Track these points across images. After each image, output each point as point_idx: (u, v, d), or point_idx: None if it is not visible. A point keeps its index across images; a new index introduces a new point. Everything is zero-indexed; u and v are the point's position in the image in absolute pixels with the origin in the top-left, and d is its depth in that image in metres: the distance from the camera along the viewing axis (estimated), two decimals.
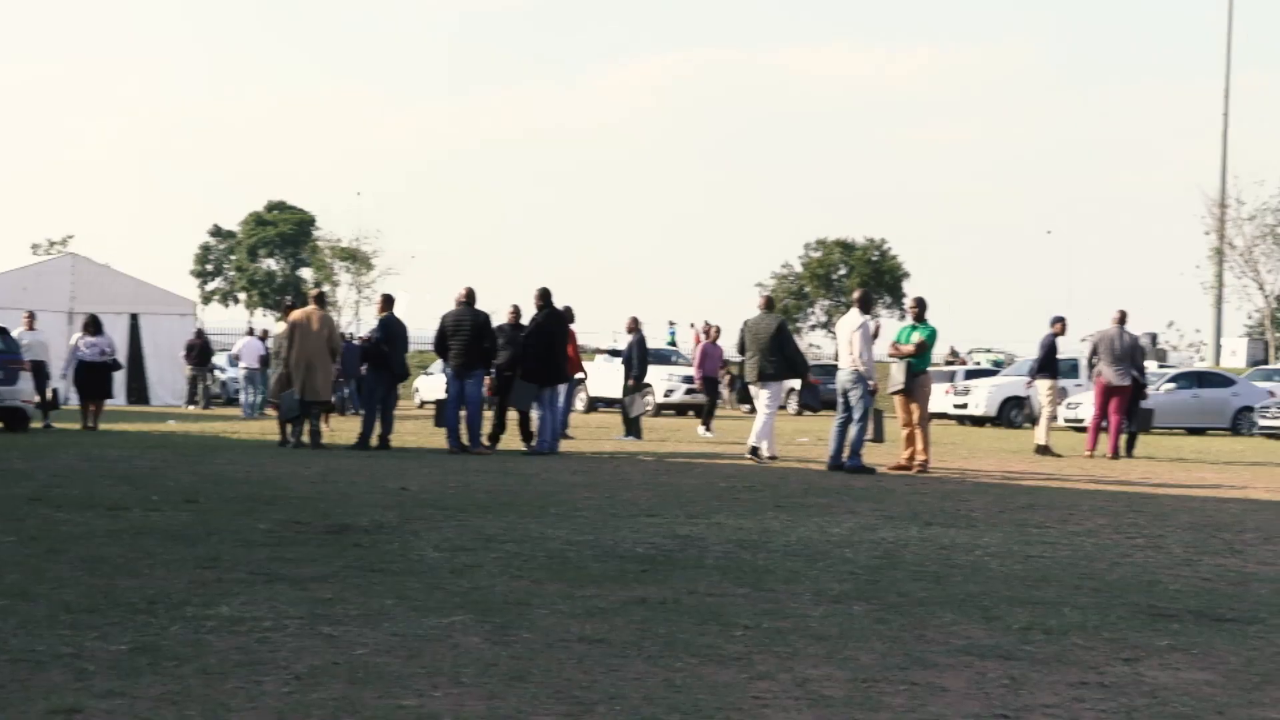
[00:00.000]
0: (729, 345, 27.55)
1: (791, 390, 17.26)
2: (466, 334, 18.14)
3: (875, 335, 16.84)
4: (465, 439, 18.33)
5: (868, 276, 63.53)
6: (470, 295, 18.39)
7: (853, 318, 16.65)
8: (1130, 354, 21.01)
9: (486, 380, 18.59)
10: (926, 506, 12.12)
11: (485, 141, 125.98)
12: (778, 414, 18.39)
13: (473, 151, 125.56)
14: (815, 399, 16.16)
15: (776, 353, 17.52)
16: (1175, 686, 5.25)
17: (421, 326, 30.05)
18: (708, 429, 25.48)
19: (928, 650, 5.80)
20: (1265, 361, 56.20)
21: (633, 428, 23.45)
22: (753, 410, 18.58)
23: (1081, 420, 28.71)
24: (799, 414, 35.76)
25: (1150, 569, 8.40)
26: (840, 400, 16.46)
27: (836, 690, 5.08)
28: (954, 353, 54.72)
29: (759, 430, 17.81)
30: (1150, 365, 35.04)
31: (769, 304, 18.95)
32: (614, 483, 13.91)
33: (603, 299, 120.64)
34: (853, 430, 16.18)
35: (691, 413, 38.47)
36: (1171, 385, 34.36)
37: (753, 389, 18.20)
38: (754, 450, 17.82)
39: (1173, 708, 4.92)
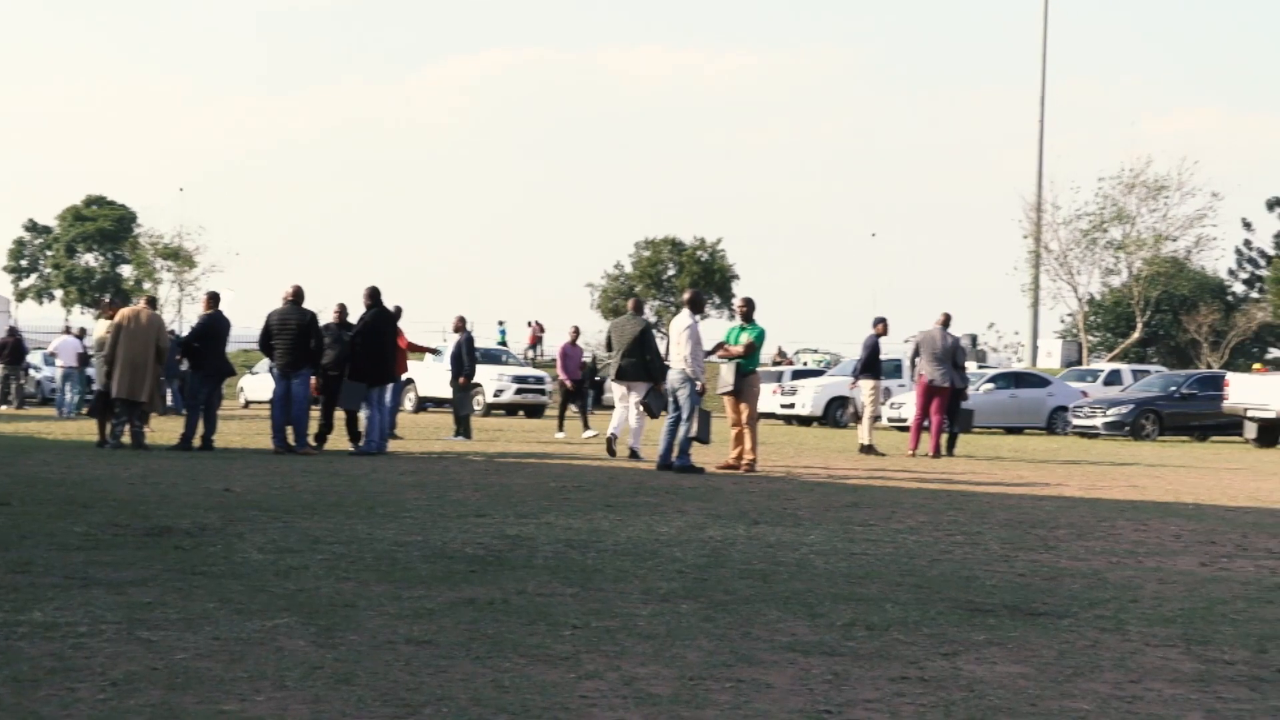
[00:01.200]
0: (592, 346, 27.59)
1: (651, 390, 17.41)
2: (292, 333, 17.88)
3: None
4: (291, 439, 18.05)
5: (698, 276, 64.06)
6: (298, 294, 18.13)
7: (683, 318, 16.77)
8: (951, 355, 21.49)
9: (313, 380, 18.35)
10: (754, 505, 12.26)
11: (311, 138, 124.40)
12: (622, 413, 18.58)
13: (298, 147, 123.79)
14: (660, 403, 16.29)
15: (638, 354, 17.66)
16: (991, 680, 5.38)
17: (248, 325, 29.51)
18: (563, 429, 25.60)
19: (754, 647, 5.87)
20: (1079, 362, 57.94)
21: (462, 427, 23.34)
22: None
23: (904, 420, 29.28)
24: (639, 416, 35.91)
25: (969, 565, 8.60)
26: (670, 400, 16.57)
27: (663, 688, 5.11)
28: (781, 353, 55.44)
29: (634, 430, 18.17)
30: (971, 366, 35.93)
31: (638, 307, 19.22)
32: (443, 483, 13.82)
33: (431, 298, 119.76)
34: (681, 430, 16.30)
35: (522, 413, 38.44)
36: (990, 385, 35.26)
37: (616, 387, 18.42)
38: (633, 452, 18.15)
39: (989, 700, 5.05)
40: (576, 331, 28.38)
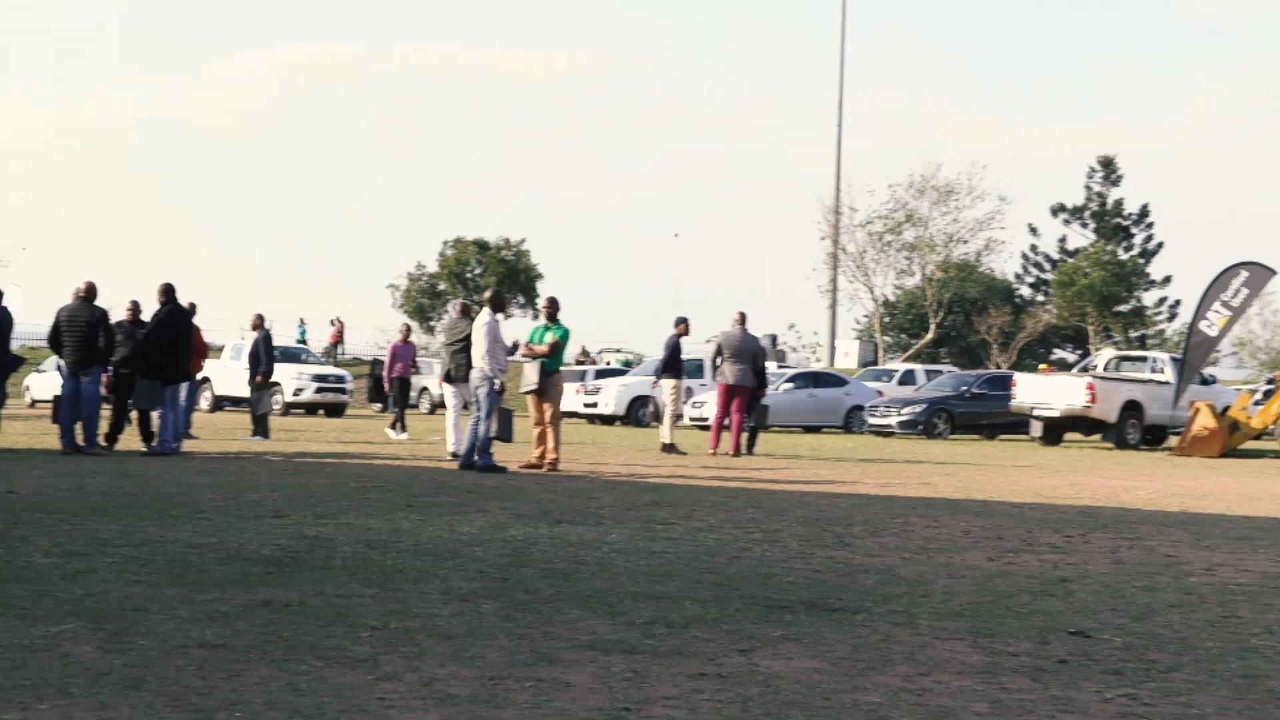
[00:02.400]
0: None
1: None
2: (82, 329, 17.36)
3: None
4: (80, 439, 17.51)
5: (503, 276, 63.86)
6: (90, 290, 17.62)
7: (483, 316, 16.71)
8: (752, 355, 21.80)
9: (104, 378, 17.84)
10: (556, 504, 12.28)
11: (103, 133, 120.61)
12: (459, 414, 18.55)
13: (91, 143, 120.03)
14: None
15: (465, 355, 17.58)
16: (787, 675, 5.47)
17: (38, 322, 28.59)
18: (400, 429, 25.05)
19: (554, 646, 5.88)
20: (875, 362, 59.29)
21: (260, 427, 22.92)
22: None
23: (705, 419, 29.61)
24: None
25: (767, 562, 8.74)
26: (474, 400, 16.50)
27: (463, 689, 5.09)
28: (585, 352, 55.60)
29: (459, 430, 18.17)
30: (770, 366, 36.47)
31: (465, 309, 19.14)
32: (239, 483, 13.55)
33: (229, 295, 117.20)
34: (480, 429, 16.23)
35: (322, 412, 37.86)
36: (790, 385, 35.84)
37: (444, 388, 18.39)
38: (455, 454, 18.00)
39: (784, 695, 5.13)
40: (408, 330, 28.03)
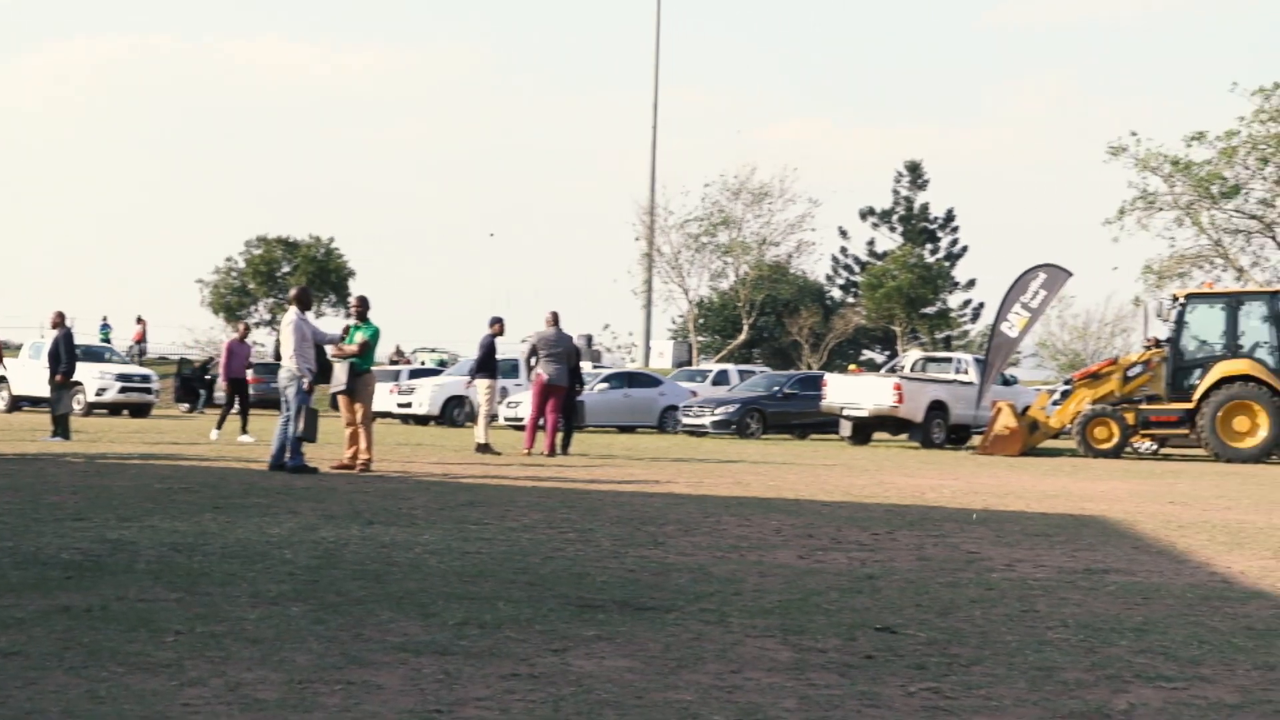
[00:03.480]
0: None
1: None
2: None
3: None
4: None
5: (312, 274, 62.92)
6: None
7: (289, 315, 16.43)
8: (566, 354, 21.82)
9: None
10: (368, 505, 12.14)
11: None
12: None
13: None
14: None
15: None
16: (600, 674, 5.49)
17: None
18: (244, 432, 24.30)
19: (365, 649, 5.81)
20: (689, 363, 59.88)
21: (60, 428, 22.24)
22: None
23: (521, 419, 29.57)
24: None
25: (580, 562, 8.75)
26: (283, 399, 16.23)
27: (270, 693, 5.00)
28: (399, 352, 55.08)
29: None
30: (586, 366, 36.57)
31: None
32: (38, 486, 13.13)
33: (29, 292, 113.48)
34: (290, 429, 15.97)
35: (127, 412, 36.88)
36: (605, 385, 35.98)
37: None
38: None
39: (597, 695, 5.14)
40: (246, 329, 27.36)
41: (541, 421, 21.82)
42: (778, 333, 69.86)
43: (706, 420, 33.55)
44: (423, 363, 51.20)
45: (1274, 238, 53.42)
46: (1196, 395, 27.26)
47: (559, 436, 21.92)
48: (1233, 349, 27.77)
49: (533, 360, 21.98)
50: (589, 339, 58.33)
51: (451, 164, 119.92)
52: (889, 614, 7.08)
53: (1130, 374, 28.61)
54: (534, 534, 10.25)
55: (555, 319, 22.01)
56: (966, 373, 34.05)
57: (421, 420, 36.41)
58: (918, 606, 7.36)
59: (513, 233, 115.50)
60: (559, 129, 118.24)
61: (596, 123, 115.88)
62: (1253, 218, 53.51)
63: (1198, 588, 8.39)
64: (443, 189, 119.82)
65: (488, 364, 22.44)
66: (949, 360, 37.35)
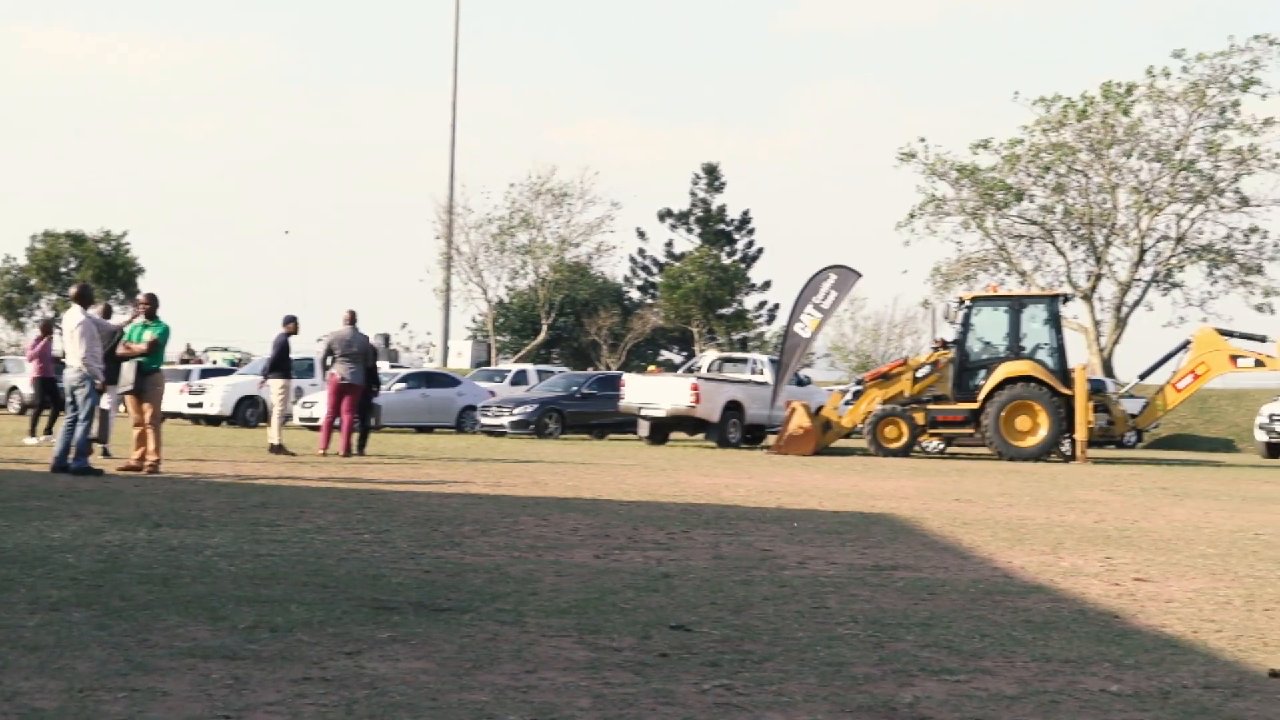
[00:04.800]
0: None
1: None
2: None
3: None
4: None
5: (100, 270, 61.10)
6: None
7: (74, 314, 15.91)
8: (363, 353, 21.58)
9: None
10: (156, 507, 11.83)
11: None
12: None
13: None
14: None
15: (114, 357, 16.72)
16: (394, 676, 5.43)
17: None
18: (33, 435, 23.10)
19: (150, 654, 5.66)
20: (488, 363, 59.68)
21: None
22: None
23: (316, 419, 29.13)
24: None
25: (376, 563, 8.66)
26: (69, 399, 15.74)
27: (50, 702, 4.83)
28: (190, 351, 53.80)
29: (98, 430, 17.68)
30: (383, 366, 36.20)
31: (107, 311, 18.28)
32: None
33: None
34: (78, 430, 15.50)
35: None
36: (402, 385, 35.64)
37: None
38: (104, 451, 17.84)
39: (390, 697, 5.09)
40: (53, 327, 26.27)
41: (337, 422, 21.54)
42: (576, 333, 70.06)
43: (505, 420, 33.47)
44: (214, 362, 50.06)
45: (1054, 243, 55.37)
46: (981, 395, 28.13)
47: (355, 437, 21.67)
48: (1015, 351, 28.72)
49: (328, 360, 21.69)
50: (386, 338, 57.74)
51: (247, 159, 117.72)
52: (684, 612, 7.14)
53: (919, 375, 29.37)
54: (328, 535, 10.11)
55: (352, 318, 21.75)
56: (762, 373, 34.58)
57: (213, 421, 35.63)
58: (712, 604, 7.44)
59: (309, 230, 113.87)
60: (357, 126, 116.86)
61: (396, 120, 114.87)
62: (1034, 223, 55.38)
63: (981, 583, 8.65)
64: (238, 185, 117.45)
65: (282, 363, 22.06)
66: (745, 361, 37.87)
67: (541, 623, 6.71)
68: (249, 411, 35.06)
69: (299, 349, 25.57)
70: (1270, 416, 36.67)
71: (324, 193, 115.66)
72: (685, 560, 9.35)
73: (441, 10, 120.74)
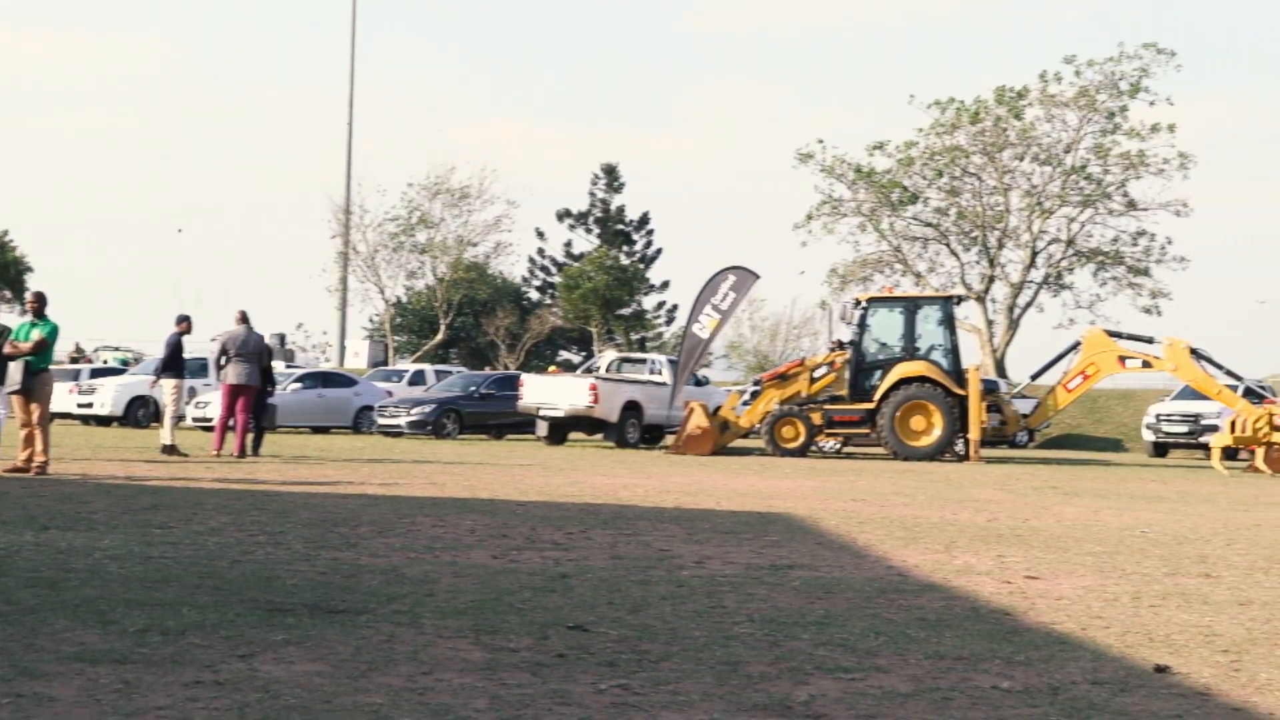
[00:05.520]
0: None
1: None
2: None
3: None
4: None
5: None
6: None
7: None
8: (258, 353, 21.34)
9: None
10: (44, 509, 11.62)
11: None
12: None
13: None
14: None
15: None
16: (288, 679, 5.38)
17: None
18: None
19: (37, 659, 5.55)
20: (385, 363, 59.27)
21: None
22: None
23: (209, 419, 28.75)
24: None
25: (270, 565, 8.56)
26: None
27: None
28: (79, 350, 52.88)
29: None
30: (279, 365, 35.81)
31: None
32: None
33: None
34: None
35: None
36: (298, 385, 35.28)
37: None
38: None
39: (284, 700, 5.04)
40: None
41: (231, 422, 21.28)
42: (475, 333, 69.77)
43: (402, 420, 33.26)
44: (105, 361, 49.24)
45: (948, 245, 56.10)
46: (877, 396, 28.41)
47: (249, 437, 21.41)
48: (910, 351, 29.04)
49: (222, 360, 21.43)
50: (282, 338, 57.09)
51: (138, 156, 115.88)
52: (581, 612, 7.14)
53: (816, 375, 29.59)
54: (222, 537, 9.98)
55: (245, 317, 21.51)
56: (660, 373, 34.65)
57: (104, 421, 35.03)
58: (610, 604, 7.45)
59: (203, 229, 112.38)
60: (252, 124, 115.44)
61: (291, 119, 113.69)
62: (929, 225, 56.08)
63: (876, 581, 8.74)
64: (129, 182, 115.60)
65: (174, 363, 21.73)
66: (644, 361, 37.96)
67: (438, 624, 6.68)
68: (140, 412, 34.51)
69: (192, 348, 25.23)
70: (1157, 416, 37.41)
71: (217, 190, 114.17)
72: (583, 560, 9.35)
73: (338, 8, 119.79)
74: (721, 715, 5.05)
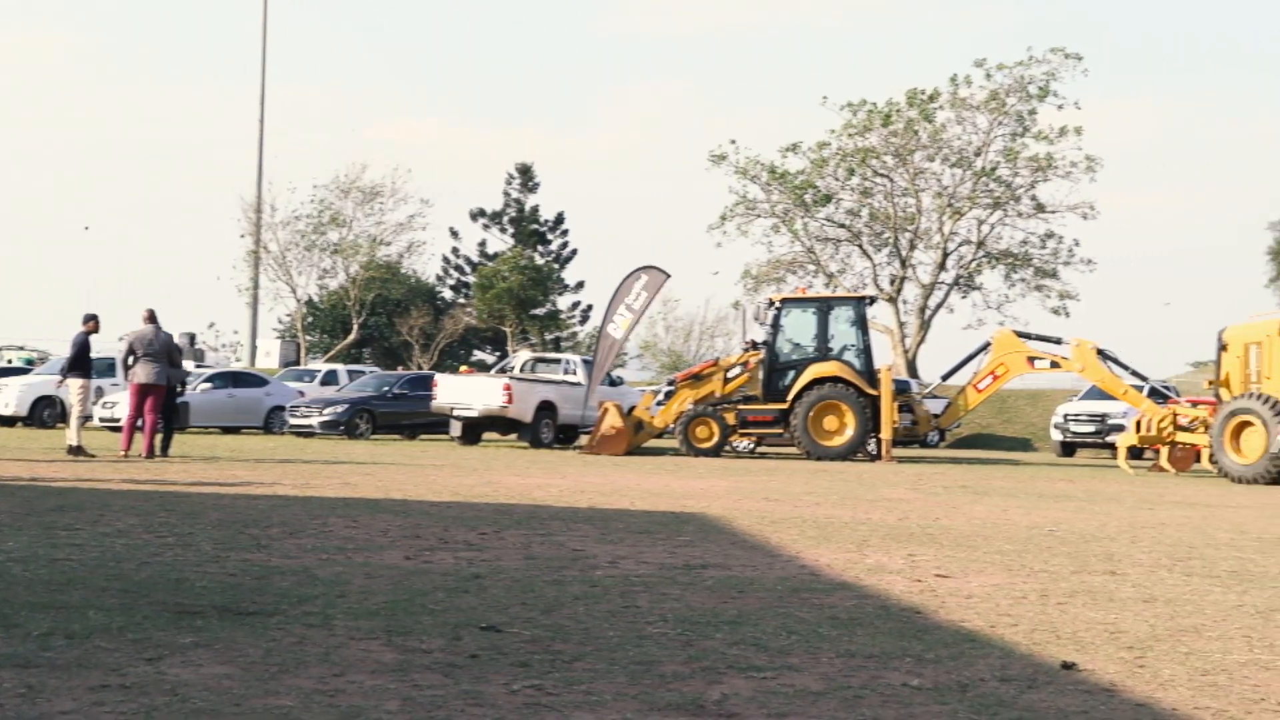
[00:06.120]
0: None
1: None
2: None
3: None
4: None
5: None
6: None
7: None
8: (166, 353, 21.09)
9: None
10: None
11: None
12: None
13: None
14: None
15: None
16: (196, 682, 5.32)
17: None
18: None
19: None
20: (297, 362, 58.80)
21: None
22: None
23: (117, 420, 28.39)
24: None
25: (179, 567, 8.46)
26: None
27: None
28: None
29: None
30: (189, 365, 35.43)
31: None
32: None
33: None
34: None
35: None
36: (208, 385, 34.94)
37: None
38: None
39: (192, 704, 4.98)
40: None
41: (140, 422, 21.01)
42: (388, 333, 69.35)
43: (314, 421, 33.03)
44: (10, 361, 48.47)
45: (860, 246, 56.54)
46: (790, 396, 28.57)
47: (158, 438, 21.16)
48: (823, 352, 29.24)
49: (130, 359, 21.15)
50: (191, 337, 56.52)
51: (42, 153, 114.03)
52: (494, 613, 7.12)
53: (730, 375, 29.72)
54: (129, 539, 9.85)
55: (151, 316, 21.26)
56: (575, 373, 34.65)
57: (8, 421, 34.48)
58: (523, 605, 7.43)
59: (110, 227, 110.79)
60: (160, 121, 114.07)
61: (201, 116, 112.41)
62: (841, 226, 56.48)
63: (788, 580, 8.79)
64: (33, 179, 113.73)
65: (81, 362, 21.44)
66: (558, 361, 37.94)
67: (350, 625, 6.63)
68: (46, 412, 34.02)
69: (100, 348, 24.86)
70: (1065, 416, 37.94)
71: (126, 189, 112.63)
72: (496, 561, 9.33)
73: (250, 5, 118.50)
74: (634, 715, 5.05)
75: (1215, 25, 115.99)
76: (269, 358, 61.90)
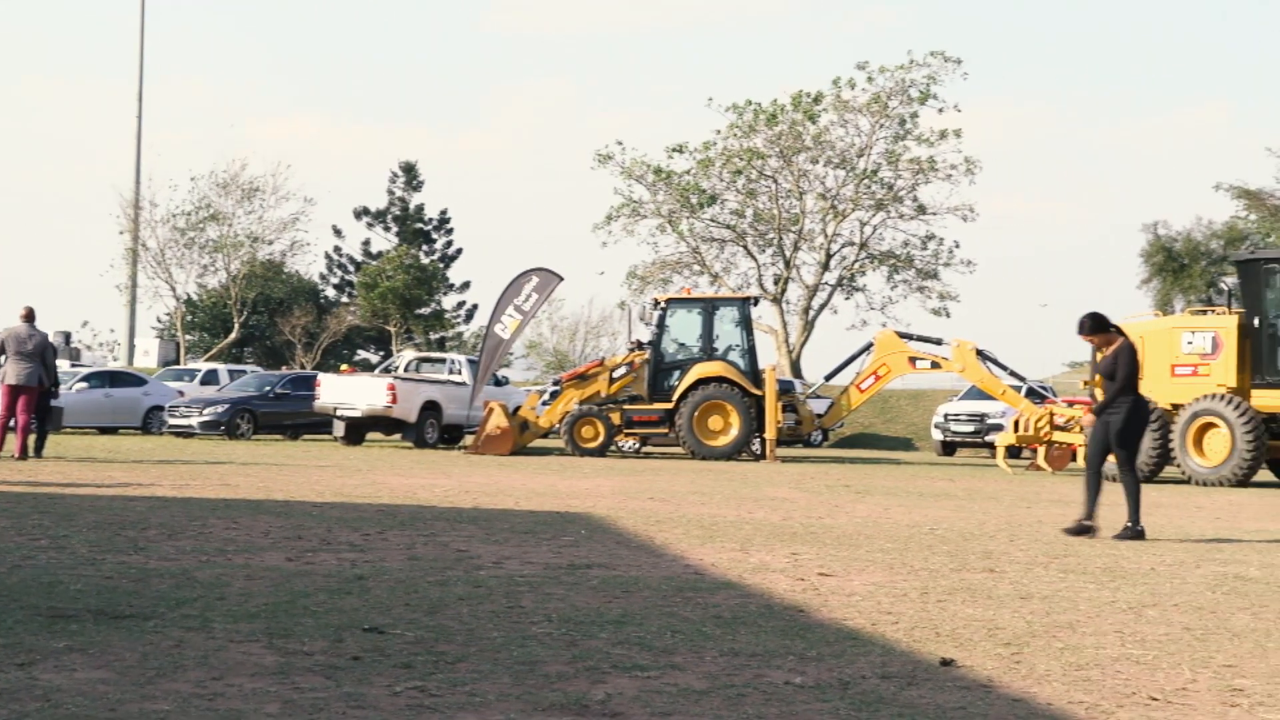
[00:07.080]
0: None
1: None
2: None
3: None
4: None
5: None
6: None
7: None
8: (40, 352, 20.65)
9: None
10: None
11: None
12: None
13: None
14: None
15: None
16: (70, 688, 5.21)
17: None
18: None
19: None
20: (177, 362, 57.84)
21: None
22: None
23: None
24: None
25: (52, 570, 8.29)
26: None
27: None
28: None
29: None
30: (63, 364, 34.73)
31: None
32: None
33: None
34: None
35: None
36: (84, 385, 34.29)
37: None
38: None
39: (65, 710, 4.88)
40: None
41: (12, 423, 20.55)
42: (270, 332, 68.52)
43: (194, 421, 32.56)
44: None
45: (745, 247, 56.92)
46: (675, 396, 28.68)
47: (31, 438, 20.71)
48: (708, 352, 29.39)
49: (2, 359, 20.67)
50: (67, 336, 55.28)
51: None
52: (378, 614, 7.07)
53: (615, 375, 29.76)
54: (1, 542, 9.63)
55: (29, 314, 20.79)
56: (460, 373, 34.47)
57: None
58: (407, 606, 7.38)
59: None
60: (34, 115, 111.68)
61: (77, 111, 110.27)
62: (727, 227, 56.83)
63: (673, 580, 8.82)
64: None
65: None
66: (443, 361, 37.71)
67: (229, 628, 6.54)
68: None
69: None
70: (945, 416, 38.48)
71: None
72: (380, 562, 9.25)
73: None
74: (518, 715, 5.04)
75: (1094, 29, 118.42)
76: (148, 357, 60.84)
